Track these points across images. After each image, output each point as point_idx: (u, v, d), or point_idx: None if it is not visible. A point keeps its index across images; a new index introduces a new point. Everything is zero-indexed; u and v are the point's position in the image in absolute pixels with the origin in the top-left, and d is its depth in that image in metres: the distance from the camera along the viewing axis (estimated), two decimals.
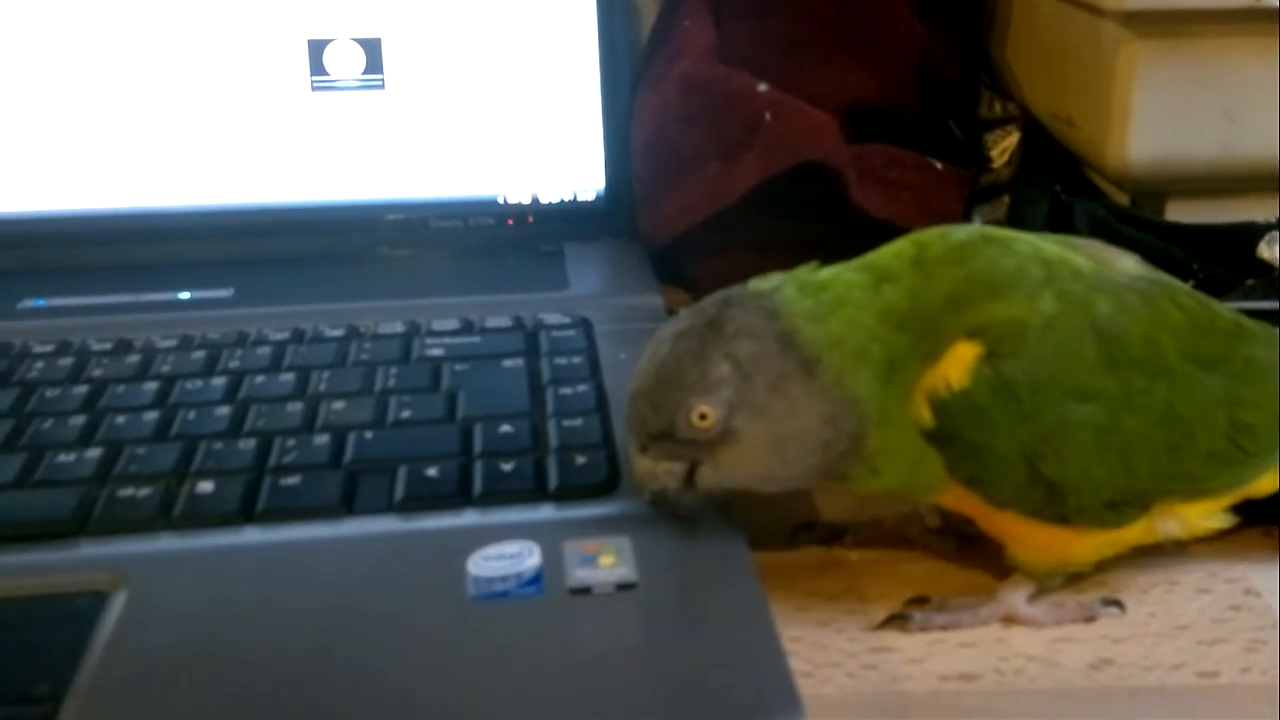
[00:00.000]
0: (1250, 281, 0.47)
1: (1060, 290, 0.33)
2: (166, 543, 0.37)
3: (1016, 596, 0.36)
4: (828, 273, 0.35)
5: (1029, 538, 0.36)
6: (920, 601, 0.36)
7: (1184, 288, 0.37)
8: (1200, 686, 0.34)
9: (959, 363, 0.32)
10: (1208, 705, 0.33)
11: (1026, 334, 0.33)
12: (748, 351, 0.33)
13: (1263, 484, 0.37)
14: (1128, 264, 0.37)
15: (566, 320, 0.51)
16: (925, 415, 0.33)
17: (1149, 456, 0.34)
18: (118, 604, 0.34)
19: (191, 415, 0.43)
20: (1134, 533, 0.36)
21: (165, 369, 0.46)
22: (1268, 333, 0.37)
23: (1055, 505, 0.34)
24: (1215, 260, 0.48)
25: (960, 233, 0.36)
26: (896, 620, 0.36)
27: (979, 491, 0.34)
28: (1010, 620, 0.36)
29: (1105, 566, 0.39)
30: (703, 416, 0.33)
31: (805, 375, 0.33)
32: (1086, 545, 0.36)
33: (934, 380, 0.33)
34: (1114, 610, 0.36)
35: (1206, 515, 0.37)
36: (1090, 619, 0.36)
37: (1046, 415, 0.32)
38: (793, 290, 0.34)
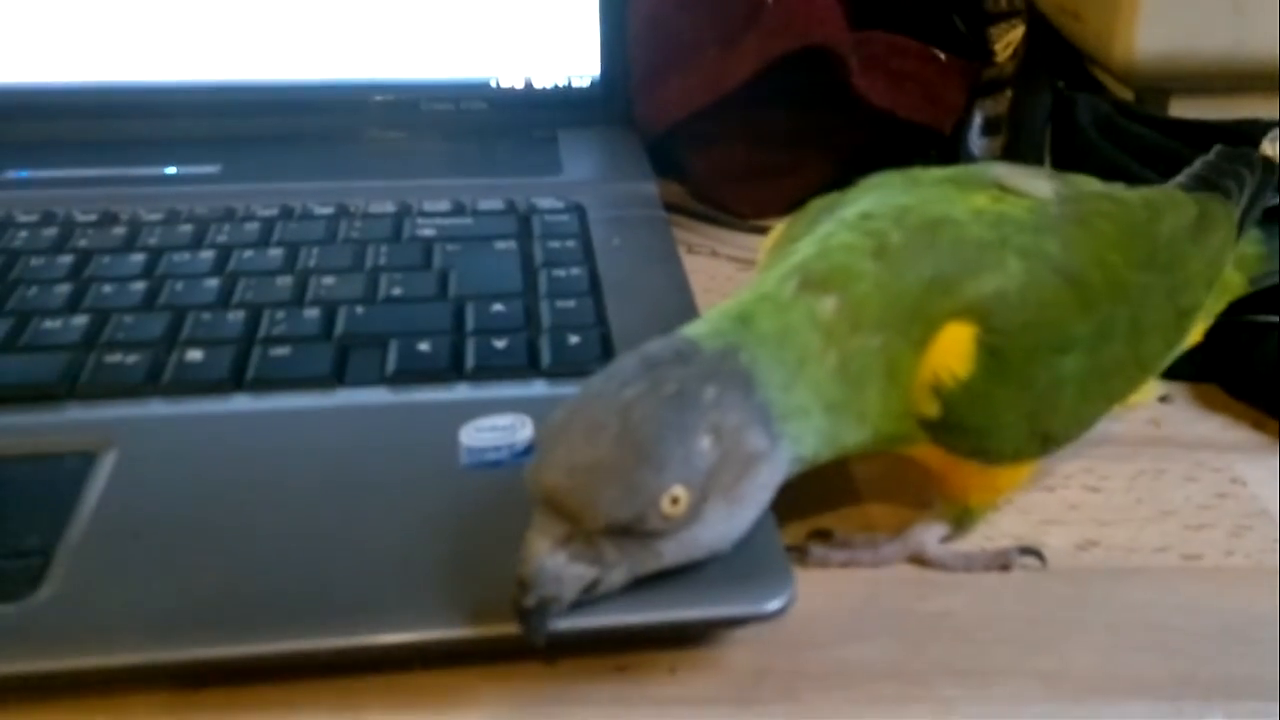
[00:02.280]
0: None
1: (1016, 247, 0.32)
2: (155, 408, 0.36)
3: (928, 536, 0.34)
4: (773, 314, 0.30)
5: (994, 479, 0.34)
6: (823, 535, 0.35)
7: (1094, 189, 0.36)
8: (1184, 568, 0.35)
9: (957, 348, 0.30)
10: (1190, 586, 0.34)
11: (1010, 303, 0.31)
12: (732, 424, 0.28)
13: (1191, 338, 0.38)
14: (1041, 186, 0.35)
15: (559, 205, 0.50)
16: (931, 408, 0.31)
17: (1124, 376, 0.34)
18: (107, 464, 0.33)
19: (179, 286, 0.42)
20: None
21: (152, 241, 0.45)
22: (1168, 196, 0.37)
23: (1046, 448, 0.33)
24: None
25: (912, 217, 0.32)
26: (793, 552, 0.33)
27: (977, 460, 0.33)
28: (917, 561, 0.34)
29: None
30: (675, 502, 0.27)
31: (772, 448, 0.29)
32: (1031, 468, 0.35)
33: (934, 370, 0.30)
34: (1031, 560, 0.34)
35: (1146, 393, 0.37)
36: (1005, 567, 0.34)
37: (1042, 378, 0.32)
38: (761, 351, 0.29)
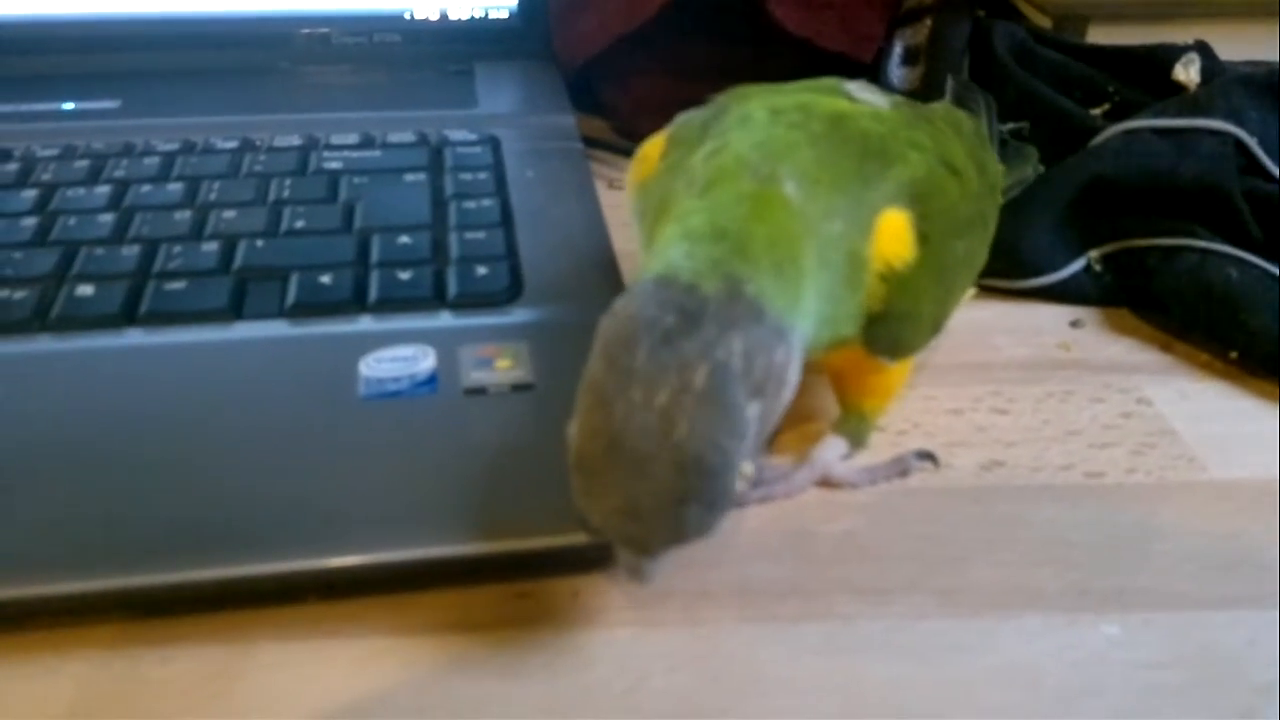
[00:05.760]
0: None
1: (904, 140, 0.31)
2: (43, 343, 0.35)
3: (830, 454, 0.34)
4: (751, 217, 0.27)
5: (887, 380, 0.34)
6: None
7: (906, 101, 0.36)
8: (1086, 486, 0.35)
9: (901, 233, 0.30)
10: (1092, 502, 0.34)
11: (925, 190, 0.31)
12: (763, 366, 0.25)
13: None
14: (879, 99, 0.34)
15: (473, 137, 0.49)
16: (878, 300, 0.30)
17: (980, 263, 0.35)
18: None
19: (72, 221, 0.41)
20: None
21: (45, 177, 0.44)
22: (953, 109, 0.39)
23: (931, 339, 0.33)
24: (1132, 82, 0.48)
25: (817, 112, 0.31)
26: None
27: (886, 355, 0.32)
28: (826, 483, 0.34)
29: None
30: (743, 474, 0.26)
31: (791, 352, 0.27)
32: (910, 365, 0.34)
33: (884, 258, 0.29)
34: (927, 464, 0.35)
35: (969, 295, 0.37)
36: (904, 473, 0.35)
37: (948, 262, 0.32)
38: (762, 276, 0.26)
